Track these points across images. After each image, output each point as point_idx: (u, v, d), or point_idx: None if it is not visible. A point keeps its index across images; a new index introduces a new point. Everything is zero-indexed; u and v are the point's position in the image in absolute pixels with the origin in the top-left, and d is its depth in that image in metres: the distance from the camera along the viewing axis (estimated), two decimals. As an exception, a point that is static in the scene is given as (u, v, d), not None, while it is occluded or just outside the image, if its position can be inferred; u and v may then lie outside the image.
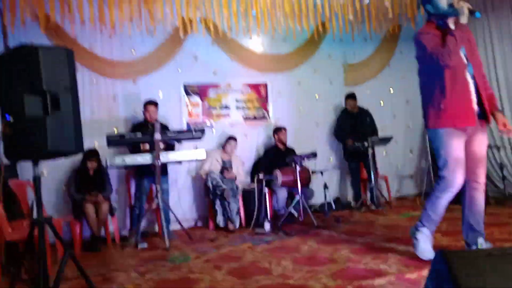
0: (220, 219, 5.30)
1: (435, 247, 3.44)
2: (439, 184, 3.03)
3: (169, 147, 4.91)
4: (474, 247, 3.11)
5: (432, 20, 3.02)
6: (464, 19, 2.77)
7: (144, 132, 4.69)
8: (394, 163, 7.12)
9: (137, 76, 5.82)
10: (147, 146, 4.83)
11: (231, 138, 5.82)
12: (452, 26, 2.89)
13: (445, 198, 3.03)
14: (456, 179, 2.94)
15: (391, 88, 7.25)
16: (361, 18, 5.69)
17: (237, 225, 5.33)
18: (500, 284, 1.50)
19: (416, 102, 7.24)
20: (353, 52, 7.05)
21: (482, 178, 3.05)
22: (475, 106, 2.94)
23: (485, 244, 3.11)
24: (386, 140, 6.00)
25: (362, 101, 6.67)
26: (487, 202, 5.48)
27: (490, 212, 4.89)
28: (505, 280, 1.51)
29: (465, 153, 2.98)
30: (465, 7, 2.76)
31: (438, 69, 2.89)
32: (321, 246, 3.96)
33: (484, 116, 2.97)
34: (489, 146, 5.91)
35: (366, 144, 5.81)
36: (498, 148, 5.82)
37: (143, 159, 4.61)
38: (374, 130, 6.47)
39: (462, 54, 2.92)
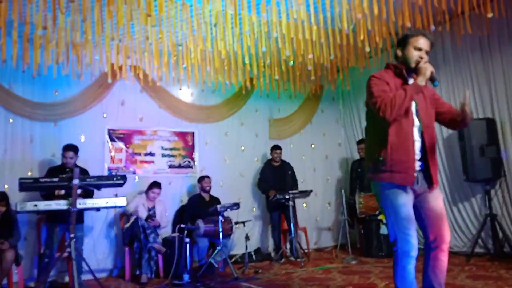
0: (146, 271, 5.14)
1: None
2: (396, 252, 2.61)
3: (88, 194, 4.74)
4: None
5: (390, 66, 2.77)
6: (422, 81, 2.58)
7: (61, 177, 4.50)
8: (313, 215, 7.39)
9: (58, 119, 5.65)
10: (62, 192, 4.63)
11: (155, 185, 5.74)
12: (410, 80, 2.70)
13: (409, 266, 2.57)
14: (412, 238, 2.54)
15: (312, 144, 7.65)
16: (286, 77, 6.06)
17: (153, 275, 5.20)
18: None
19: (334, 158, 7.77)
20: (278, 108, 7.42)
21: (447, 237, 2.66)
22: (417, 167, 2.63)
23: None
24: (306, 193, 6.24)
25: (285, 155, 6.94)
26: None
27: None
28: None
29: (423, 213, 2.67)
30: (428, 71, 2.59)
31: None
32: (239, 299, 3.96)
33: (430, 180, 2.66)
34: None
35: (287, 196, 6.00)
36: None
37: (58, 205, 4.39)
38: (294, 183, 6.74)
39: (413, 110, 2.65)
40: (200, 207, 5.86)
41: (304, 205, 7.24)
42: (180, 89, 6.38)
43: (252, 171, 7.03)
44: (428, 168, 2.65)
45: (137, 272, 5.12)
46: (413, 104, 2.64)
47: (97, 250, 5.59)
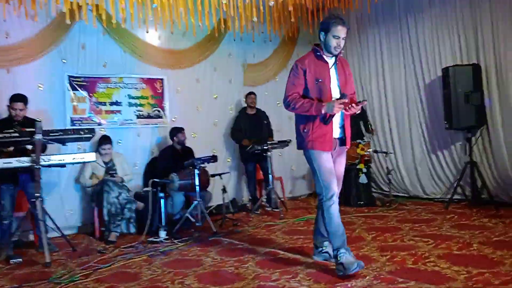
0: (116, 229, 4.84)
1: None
2: (322, 198, 3.20)
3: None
4: (320, 249, 3.47)
5: (313, 48, 3.28)
6: (323, 110, 3.07)
7: (23, 131, 4.02)
8: (288, 164, 7.24)
9: (11, 65, 5.03)
10: (11, 149, 4.17)
11: (105, 140, 5.27)
12: (327, 59, 3.23)
13: (333, 210, 3.16)
14: (333, 185, 3.17)
15: (288, 90, 7.34)
16: (263, 19, 5.61)
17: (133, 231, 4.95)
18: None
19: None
20: (253, 53, 6.99)
21: (337, 193, 3.31)
22: (336, 135, 3.25)
23: (329, 247, 3.38)
24: (285, 143, 6.02)
25: (260, 103, 6.63)
26: (374, 205, 5.86)
27: (379, 215, 5.20)
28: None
29: None
30: (334, 111, 3.08)
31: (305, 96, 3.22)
32: (224, 258, 3.78)
33: (345, 142, 3.31)
34: (376, 151, 6.28)
35: (266, 147, 5.77)
36: (385, 153, 6.19)
37: (20, 162, 3.96)
38: (270, 132, 6.49)
39: (334, 85, 3.21)
40: (174, 159, 5.54)
41: (279, 154, 7.06)
42: (147, 32, 5.81)
43: (225, 120, 6.70)
44: (345, 133, 3.30)
45: (106, 231, 4.81)
46: (335, 81, 3.23)
47: (65, 207, 5.24)
